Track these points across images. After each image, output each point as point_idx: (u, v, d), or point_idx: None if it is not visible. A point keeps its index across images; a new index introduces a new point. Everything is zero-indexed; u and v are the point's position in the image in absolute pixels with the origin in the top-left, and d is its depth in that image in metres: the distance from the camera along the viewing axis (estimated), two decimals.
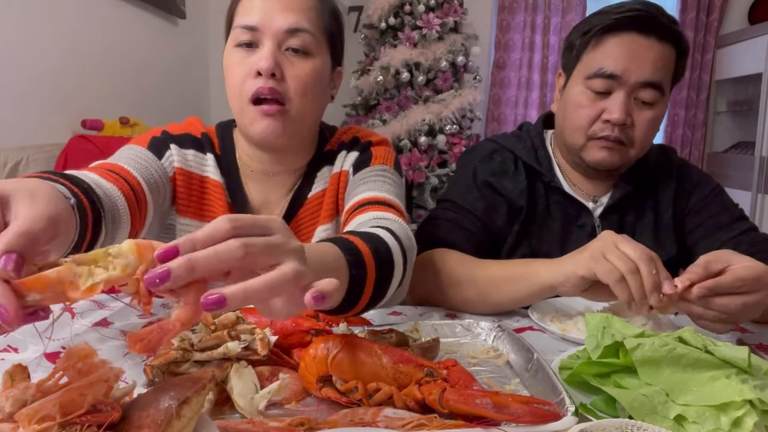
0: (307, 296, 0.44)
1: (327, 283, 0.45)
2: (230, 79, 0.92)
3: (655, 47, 1.02)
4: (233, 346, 0.63)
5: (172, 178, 0.98)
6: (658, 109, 1.06)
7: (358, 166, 1.02)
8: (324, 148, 1.06)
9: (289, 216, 1.03)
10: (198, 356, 0.64)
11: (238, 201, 1.02)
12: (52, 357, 0.75)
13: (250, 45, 0.90)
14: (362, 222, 0.87)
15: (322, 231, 1.03)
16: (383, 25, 3.29)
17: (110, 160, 0.91)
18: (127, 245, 0.41)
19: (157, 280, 0.39)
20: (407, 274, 0.83)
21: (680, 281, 0.78)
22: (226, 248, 0.41)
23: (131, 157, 0.92)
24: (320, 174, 1.04)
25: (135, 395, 0.47)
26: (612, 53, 1.03)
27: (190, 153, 1.00)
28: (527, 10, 3.87)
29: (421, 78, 3.22)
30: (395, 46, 3.27)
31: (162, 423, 0.42)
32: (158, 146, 0.97)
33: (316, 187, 1.03)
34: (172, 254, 0.40)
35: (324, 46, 0.95)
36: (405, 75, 3.18)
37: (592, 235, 1.11)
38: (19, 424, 0.41)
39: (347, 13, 3.82)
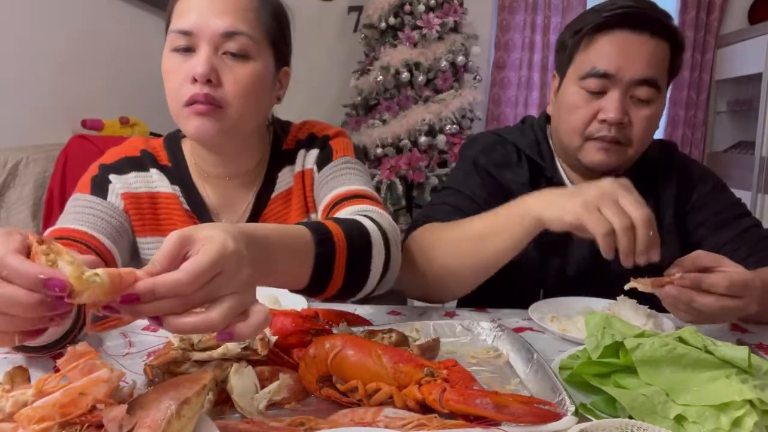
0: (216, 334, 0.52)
1: (243, 329, 0.52)
2: (168, 84, 0.91)
3: (648, 43, 1.01)
4: (233, 346, 0.63)
5: (124, 209, 0.98)
6: (656, 107, 1.04)
7: (321, 163, 1.02)
8: (281, 147, 1.05)
9: (254, 218, 1.02)
10: (198, 356, 0.64)
11: (195, 207, 1.01)
12: (52, 356, 0.75)
13: (187, 49, 0.88)
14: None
15: None
16: (383, 25, 3.29)
17: (65, 223, 0.91)
18: (99, 286, 0.45)
19: (107, 313, 0.47)
20: (393, 257, 0.83)
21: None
22: (166, 306, 0.48)
23: (83, 213, 0.93)
24: (281, 174, 1.04)
25: (135, 395, 0.47)
26: (604, 52, 1.02)
27: (131, 176, 0.99)
28: (527, 10, 3.86)
29: (421, 78, 3.21)
30: (395, 46, 3.26)
31: (162, 423, 0.42)
32: (100, 185, 0.97)
33: (279, 188, 1.03)
34: (133, 301, 0.46)
35: (265, 48, 0.93)
36: (405, 75, 3.18)
37: None
38: (19, 424, 0.41)
39: (347, 13, 3.82)
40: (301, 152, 1.04)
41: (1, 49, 1.85)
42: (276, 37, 0.95)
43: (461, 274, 0.96)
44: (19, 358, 0.75)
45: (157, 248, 1.01)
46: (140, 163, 1.01)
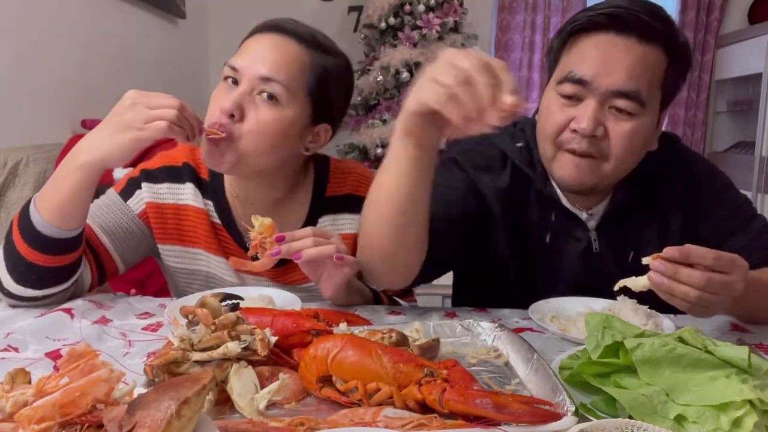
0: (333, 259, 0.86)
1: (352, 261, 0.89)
2: (209, 108, 0.99)
3: (634, 49, 0.90)
4: (233, 347, 0.63)
5: (141, 214, 1.06)
6: (639, 121, 0.92)
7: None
8: (323, 192, 1.10)
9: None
10: (198, 356, 0.64)
11: (225, 220, 1.07)
12: (52, 356, 0.76)
13: (235, 82, 0.97)
14: None
15: None
16: (383, 25, 3.29)
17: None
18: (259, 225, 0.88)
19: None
20: None
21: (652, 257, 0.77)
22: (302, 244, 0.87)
23: (101, 208, 1.04)
24: (321, 221, 1.09)
25: (135, 395, 0.47)
26: (584, 55, 0.92)
27: (164, 186, 1.07)
28: (527, 10, 3.86)
29: None
30: (395, 46, 3.26)
31: (162, 423, 0.42)
32: (130, 189, 1.07)
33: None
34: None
35: (300, 100, 0.98)
36: (405, 75, 3.18)
37: (588, 250, 1.05)
38: (19, 424, 0.41)
39: (347, 13, 3.82)
40: (345, 216, 1.10)
41: (2, 50, 1.85)
42: (316, 93, 0.99)
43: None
44: (18, 360, 0.75)
45: (177, 256, 1.10)
46: (178, 174, 1.08)
